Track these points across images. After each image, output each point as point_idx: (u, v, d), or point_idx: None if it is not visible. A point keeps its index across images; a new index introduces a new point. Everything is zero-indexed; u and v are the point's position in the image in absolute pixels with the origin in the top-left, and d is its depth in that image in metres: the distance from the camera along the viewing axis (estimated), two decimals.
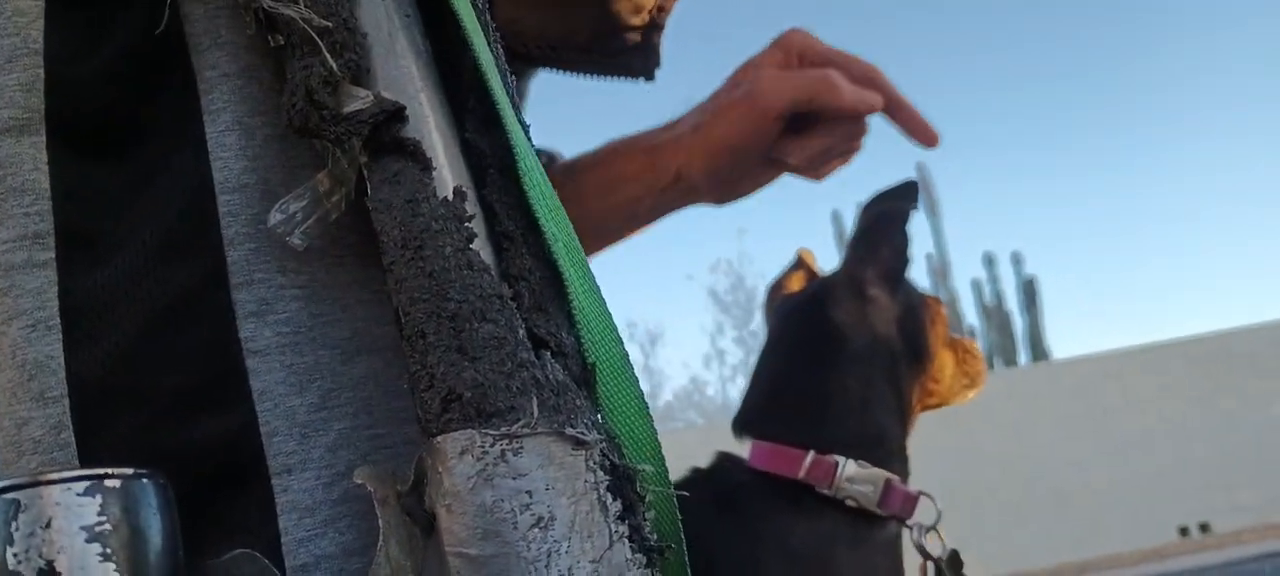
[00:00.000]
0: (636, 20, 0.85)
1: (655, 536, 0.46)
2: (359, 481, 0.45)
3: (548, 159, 1.00)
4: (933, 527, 0.93)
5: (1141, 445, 11.13)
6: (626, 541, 0.44)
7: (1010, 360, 14.07)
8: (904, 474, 0.92)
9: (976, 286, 14.69)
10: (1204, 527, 10.91)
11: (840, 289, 0.96)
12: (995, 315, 14.47)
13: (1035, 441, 10.91)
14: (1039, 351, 14.12)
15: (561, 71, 0.89)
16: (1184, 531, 10.89)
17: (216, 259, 0.49)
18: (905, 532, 0.92)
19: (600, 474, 0.44)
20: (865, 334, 0.93)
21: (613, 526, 0.43)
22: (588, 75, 0.88)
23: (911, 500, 0.90)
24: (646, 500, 0.46)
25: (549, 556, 0.41)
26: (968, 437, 11.11)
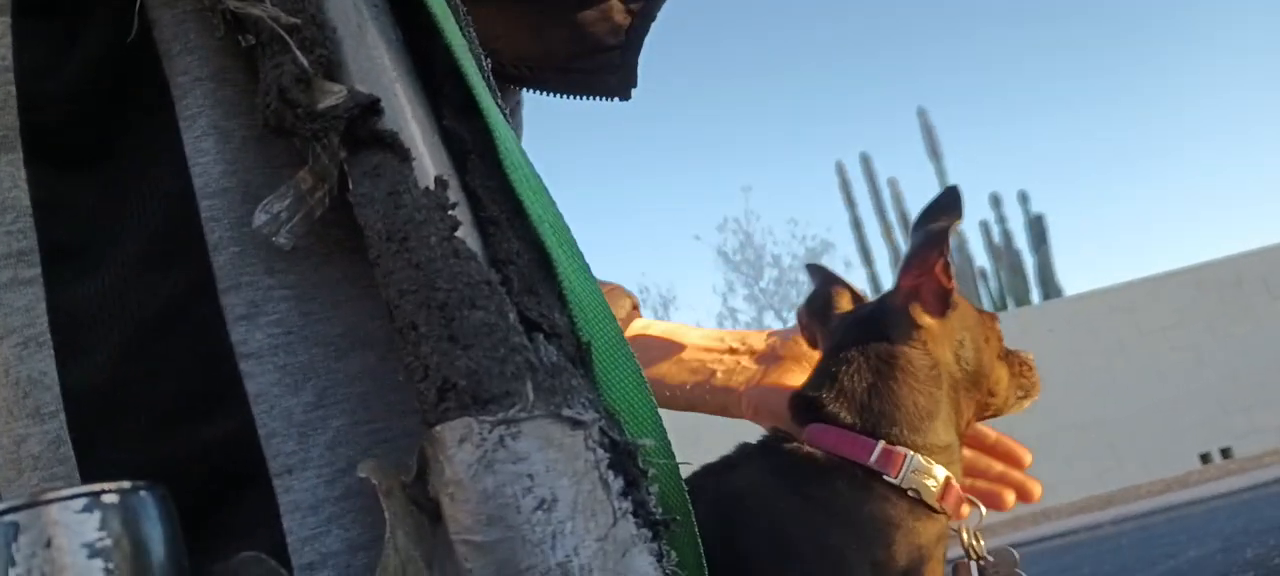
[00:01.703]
0: (613, 40, 0.86)
1: (660, 509, 0.46)
2: (363, 475, 0.45)
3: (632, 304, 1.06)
4: (976, 531, 0.98)
5: (1158, 375, 11.12)
6: (631, 517, 0.44)
7: (1022, 299, 14.04)
8: (959, 477, 0.96)
9: (984, 227, 14.63)
10: (1225, 453, 10.91)
11: (895, 317, 0.99)
12: (1005, 255, 14.41)
13: (1051, 379, 10.85)
14: (1051, 289, 14.08)
15: (539, 92, 0.89)
16: (1205, 458, 10.89)
17: (202, 264, 0.49)
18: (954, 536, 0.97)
19: (600, 452, 0.44)
20: (924, 360, 0.97)
21: (616, 503, 0.43)
22: (565, 95, 0.89)
23: (962, 501, 0.94)
24: (649, 474, 0.46)
25: (554, 537, 0.41)
26: None
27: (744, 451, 0.97)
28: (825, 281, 1.14)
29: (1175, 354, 11.24)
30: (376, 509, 0.45)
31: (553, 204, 0.52)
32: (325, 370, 0.49)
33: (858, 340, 1.02)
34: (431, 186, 0.47)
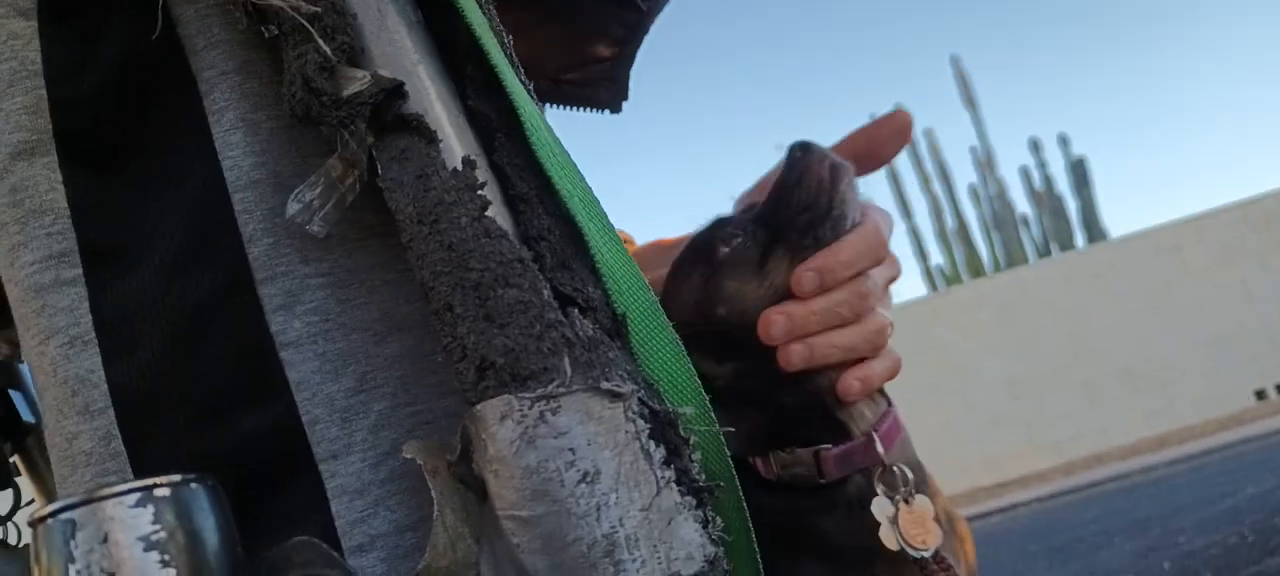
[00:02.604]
0: (607, 52, 0.85)
1: (704, 476, 0.46)
2: (408, 455, 0.46)
3: None
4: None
5: (1207, 314, 10.90)
6: (674, 485, 0.44)
7: (1066, 244, 13.82)
8: None
9: (1025, 173, 14.38)
10: None
11: None
12: (1047, 200, 14.17)
13: (1099, 323, 10.74)
14: (1095, 232, 13.84)
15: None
16: (1260, 394, 10.69)
17: (238, 257, 0.49)
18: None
19: (640, 422, 0.44)
20: None
21: (659, 472, 0.43)
22: (555, 106, 0.88)
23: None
24: (691, 442, 0.46)
25: (598, 509, 0.41)
26: (1030, 327, 10.98)
27: None
28: None
29: (1224, 291, 11.02)
30: (422, 489, 0.46)
31: (581, 177, 0.51)
32: (364, 355, 0.49)
33: None
34: (459, 167, 0.47)
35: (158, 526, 0.36)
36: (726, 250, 0.67)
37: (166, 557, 0.35)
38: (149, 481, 0.37)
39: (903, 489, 0.64)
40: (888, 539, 0.62)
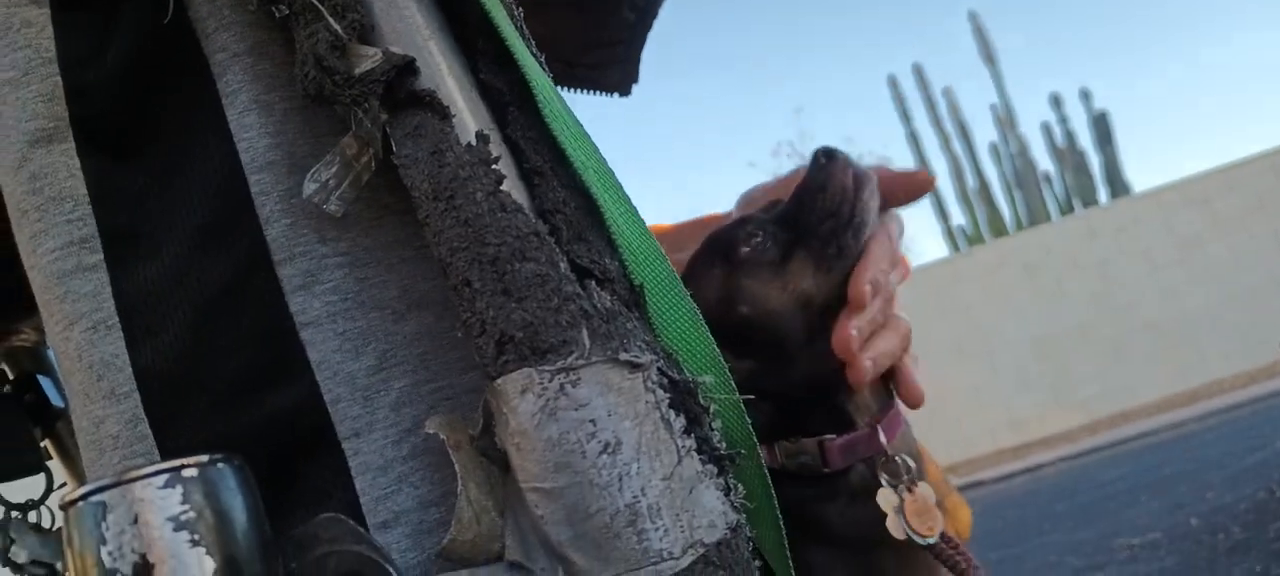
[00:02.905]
0: (619, 35, 0.85)
1: (724, 444, 0.46)
2: (431, 431, 0.46)
3: None
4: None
5: (1235, 266, 10.78)
6: (695, 454, 0.44)
7: (1089, 200, 13.67)
8: None
9: (1046, 129, 14.22)
10: None
11: None
12: (1069, 156, 14.02)
13: (1124, 279, 10.65)
14: (1118, 186, 13.68)
15: None
16: None
17: (256, 238, 0.49)
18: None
19: (660, 392, 0.44)
20: None
21: (679, 441, 0.43)
22: (568, 90, 0.88)
23: None
24: (711, 410, 0.46)
25: (621, 480, 0.42)
26: (1055, 285, 10.89)
27: None
28: None
29: (1255, 242, 10.88)
30: (444, 465, 0.46)
31: (595, 149, 0.51)
32: (384, 333, 0.50)
33: None
34: (473, 142, 0.47)
35: (186, 506, 0.36)
36: (747, 250, 0.68)
37: (196, 537, 0.36)
38: (177, 462, 0.37)
39: (905, 478, 0.65)
40: (895, 529, 0.64)
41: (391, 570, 0.39)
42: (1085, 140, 14.21)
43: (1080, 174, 13.95)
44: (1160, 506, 4.33)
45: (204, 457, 0.38)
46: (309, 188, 0.49)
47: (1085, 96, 14.36)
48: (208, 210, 0.51)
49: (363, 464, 0.48)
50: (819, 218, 0.66)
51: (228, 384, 0.49)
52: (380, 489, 0.47)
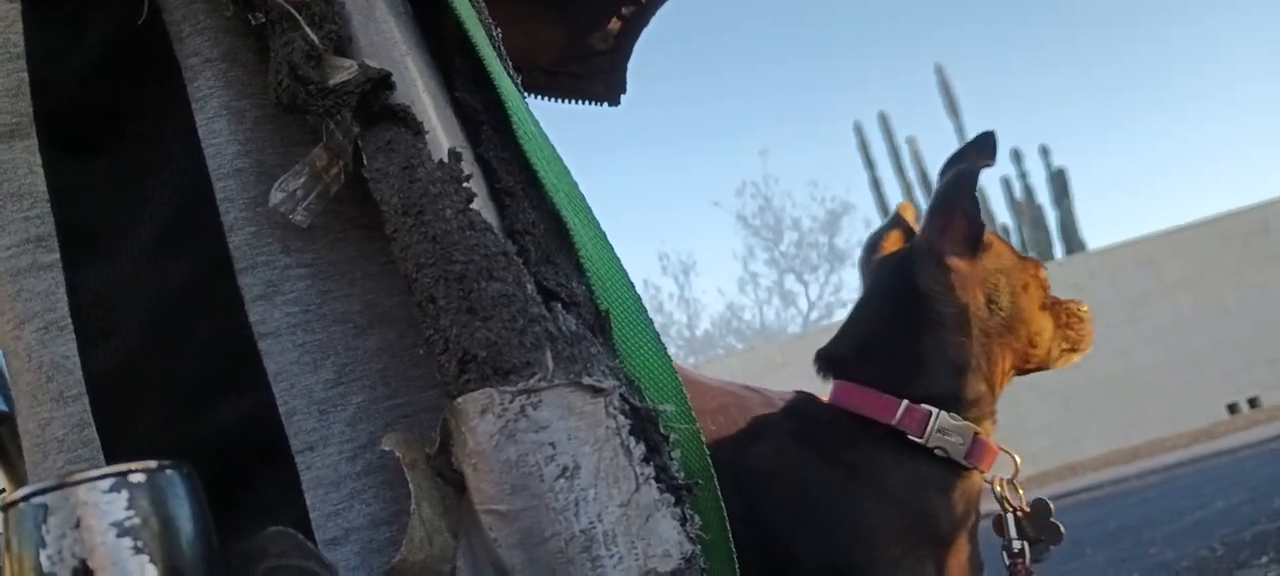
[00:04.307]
0: (603, 45, 0.85)
1: (682, 474, 0.46)
2: (387, 448, 0.46)
3: None
4: (1011, 480, 0.94)
5: (1183, 327, 11.02)
6: (654, 482, 0.44)
7: (1045, 254, 13.92)
8: (990, 431, 0.92)
9: (1006, 183, 14.48)
10: (1253, 403, 10.82)
11: (922, 258, 0.96)
12: (1027, 210, 14.28)
13: None
14: (1073, 243, 13.95)
15: (527, 95, 0.89)
16: (1233, 408, 10.81)
17: (219, 246, 0.49)
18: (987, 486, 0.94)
19: (621, 418, 0.44)
20: (952, 303, 0.93)
21: (638, 469, 0.43)
22: (553, 99, 0.88)
23: (994, 454, 0.91)
24: (671, 439, 0.46)
25: (577, 504, 0.41)
26: None
27: (765, 420, 0.95)
28: (892, 224, 1.10)
29: (1200, 305, 11.14)
30: (398, 484, 0.45)
31: (567, 172, 0.51)
32: (344, 347, 0.49)
33: (885, 287, 0.99)
34: (445, 159, 0.47)
35: (132, 512, 0.35)
36: None
37: (139, 544, 0.35)
38: (124, 466, 0.36)
39: None
40: None
41: None
42: (1043, 196, 14.50)
43: (1037, 228, 14.22)
44: (1104, 560, 4.38)
45: (152, 463, 0.37)
46: (276, 197, 0.48)
47: (1044, 153, 14.67)
48: (170, 214, 0.50)
49: (315, 478, 0.47)
50: None
51: (181, 390, 0.48)
52: (331, 505, 0.47)
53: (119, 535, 0.35)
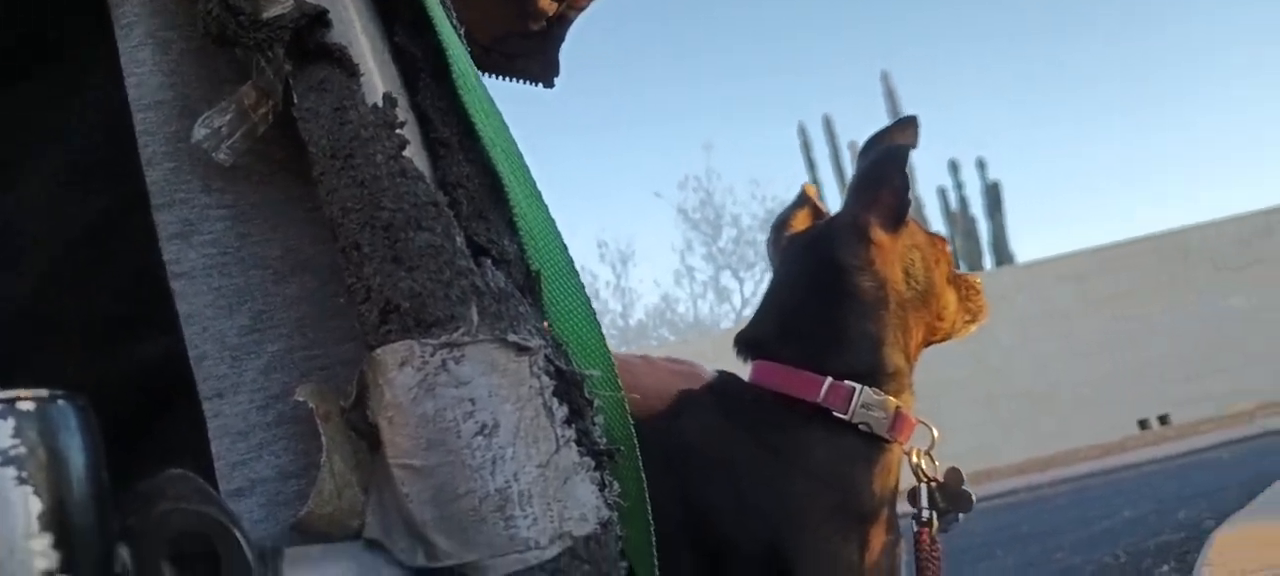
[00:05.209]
0: (535, 26, 0.84)
1: (605, 439, 0.45)
2: (300, 399, 0.44)
3: None
4: (928, 451, 0.97)
5: (1103, 343, 11.37)
6: (574, 445, 0.43)
7: (975, 265, 14.22)
8: (909, 404, 0.94)
9: (942, 193, 14.76)
10: (1163, 420, 11.22)
11: (845, 232, 0.97)
12: (960, 221, 14.57)
13: (1001, 344, 11.11)
14: (1003, 255, 14.28)
15: None
16: (1144, 424, 11.19)
17: (135, 179, 0.47)
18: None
19: (545, 379, 0.43)
20: (872, 277, 0.95)
21: (559, 431, 0.42)
22: (487, 76, 0.87)
23: (912, 426, 0.93)
24: (595, 404, 0.45)
25: (494, 462, 0.40)
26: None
27: (692, 398, 0.96)
28: (799, 204, 1.11)
29: (1121, 323, 11.50)
30: (310, 436, 0.44)
31: (506, 129, 0.50)
32: (262, 293, 0.47)
33: (802, 264, 1.00)
34: (380, 103, 0.46)
35: (17, 441, 0.33)
36: None
37: (24, 475, 0.33)
38: (12, 393, 0.34)
39: None
40: None
41: (238, 535, 0.36)
42: (977, 207, 14.81)
43: (969, 239, 14.52)
44: (1013, 563, 4.51)
45: (44, 392, 0.35)
46: (199, 133, 0.46)
47: (981, 165, 14.98)
48: (85, 143, 0.47)
49: (223, 426, 0.45)
50: None
51: (86, 326, 0.46)
52: (238, 454, 0.45)
53: (3, 464, 0.33)
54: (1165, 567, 3.57)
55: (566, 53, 0.90)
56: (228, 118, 0.46)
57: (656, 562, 0.51)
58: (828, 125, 15.17)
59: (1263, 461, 6.19)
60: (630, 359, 1.02)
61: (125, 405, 0.44)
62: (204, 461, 0.45)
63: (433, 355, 0.41)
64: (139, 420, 0.45)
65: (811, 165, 15.22)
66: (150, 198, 0.47)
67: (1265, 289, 11.41)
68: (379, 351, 0.42)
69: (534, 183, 0.50)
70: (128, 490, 0.38)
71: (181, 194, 0.47)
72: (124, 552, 0.36)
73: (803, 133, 15.44)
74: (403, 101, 0.48)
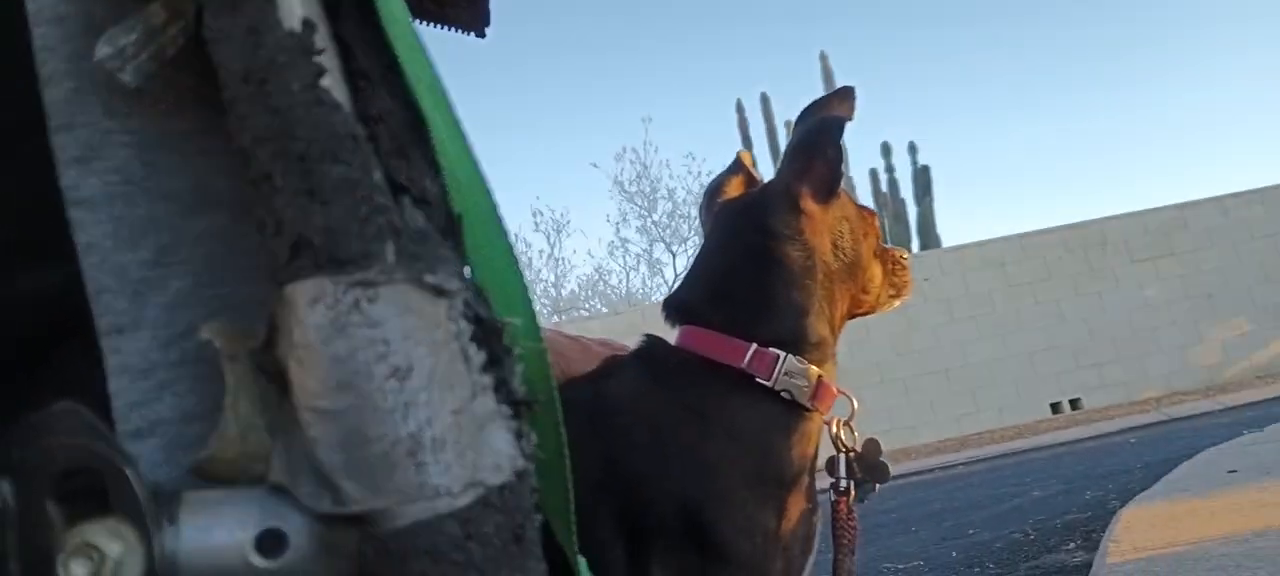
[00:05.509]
0: None
1: (523, 389, 0.44)
2: (206, 337, 0.42)
3: None
4: (848, 421, 0.99)
5: (1020, 327, 11.69)
6: (491, 392, 0.42)
7: (902, 247, 14.49)
8: (832, 373, 0.95)
9: (873, 175, 14.95)
10: (1074, 404, 11.61)
11: (777, 200, 0.97)
12: (890, 203, 14.80)
13: (923, 324, 11.35)
14: (930, 238, 14.56)
15: None
16: (1056, 407, 11.57)
17: (32, 98, 0.44)
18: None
19: (463, 324, 0.41)
20: (801, 246, 0.95)
21: (476, 377, 0.41)
22: (417, 22, 0.84)
23: (834, 396, 0.94)
24: (514, 353, 0.44)
25: (407, 407, 0.39)
26: (860, 323, 11.48)
27: (618, 361, 0.96)
28: (733, 170, 1.12)
29: (1039, 308, 11.83)
30: (214, 378, 0.42)
31: (432, 66, 0.48)
32: (168, 227, 0.45)
33: (733, 230, 1.00)
34: (298, 28, 0.43)
35: None
36: None
37: None
38: None
39: None
40: None
41: (129, 472, 0.34)
42: (906, 190, 15.05)
43: (898, 222, 14.76)
44: (927, 537, 4.63)
45: None
46: (102, 51, 0.43)
47: (912, 149, 15.21)
48: None
49: (121, 364, 0.43)
50: None
51: None
52: (138, 393, 0.43)
53: None
54: (1072, 544, 3.70)
55: (510, 9, 0.87)
56: (134, 36, 0.44)
57: (574, 517, 0.50)
58: (765, 103, 15.25)
59: (1167, 446, 6.46)
60: (559, 338, 1.01)
61: (13, 336, 0.41)
62: (100, 400, 0.42)
63: (345, 293, 0.39)
64: (30, 353, 0.43)
65: (748, 142, 15.29)
66: (48, 119, 0.44)
67: (1176, 280, 11.86)
68: (289, 288, 0.40)
69: (461, 126, 0.49)
70: (14, 422, 0.36)
71: (82, 117, 0.44)
72: (5, 487, 0.34)
73: (740, 110, 15.50)
74: (323, 30, 0.45)
